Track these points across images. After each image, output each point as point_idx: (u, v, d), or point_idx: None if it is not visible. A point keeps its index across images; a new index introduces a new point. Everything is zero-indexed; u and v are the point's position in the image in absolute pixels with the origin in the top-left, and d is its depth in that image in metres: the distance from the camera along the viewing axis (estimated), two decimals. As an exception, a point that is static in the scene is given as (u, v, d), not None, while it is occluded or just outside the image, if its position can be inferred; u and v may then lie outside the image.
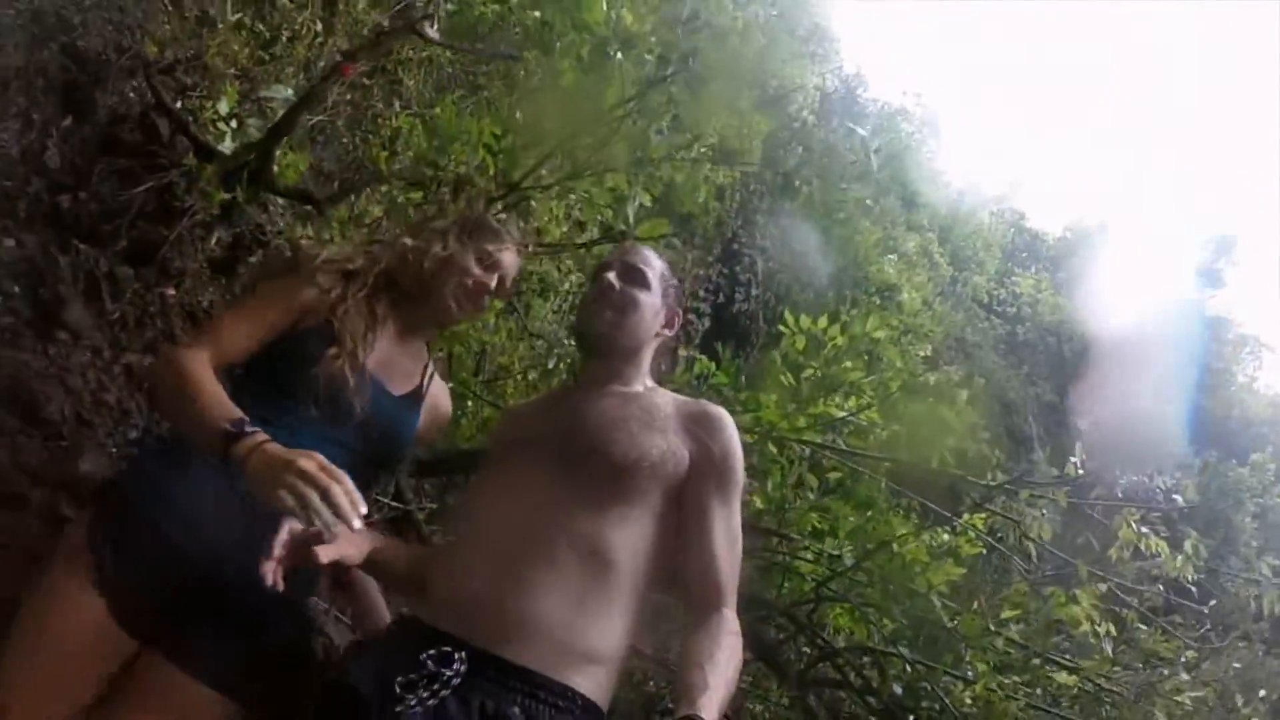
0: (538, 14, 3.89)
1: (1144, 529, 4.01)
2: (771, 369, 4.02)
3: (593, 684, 1.67)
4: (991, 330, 11.85)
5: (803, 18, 10.98)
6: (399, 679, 1.56)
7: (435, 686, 1.55)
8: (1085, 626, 3.87)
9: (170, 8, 3.56)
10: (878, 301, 6.77)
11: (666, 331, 2.12)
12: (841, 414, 3.93)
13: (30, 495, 2.51)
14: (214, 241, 3.33)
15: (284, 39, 4.39)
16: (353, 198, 3.80)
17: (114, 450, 2.83)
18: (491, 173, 3.61)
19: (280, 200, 3.75)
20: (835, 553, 3.87)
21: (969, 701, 3.70)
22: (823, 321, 3.94)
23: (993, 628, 3.82)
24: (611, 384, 2.01)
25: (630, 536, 1.78)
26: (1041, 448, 10.67)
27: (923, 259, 10.15)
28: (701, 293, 8.96)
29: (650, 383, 2.09)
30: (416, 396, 2.19)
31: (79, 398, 2.81)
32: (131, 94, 3.20)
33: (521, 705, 1.56)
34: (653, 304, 2.06)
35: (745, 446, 2.10)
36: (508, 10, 4.89)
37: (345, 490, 1.48)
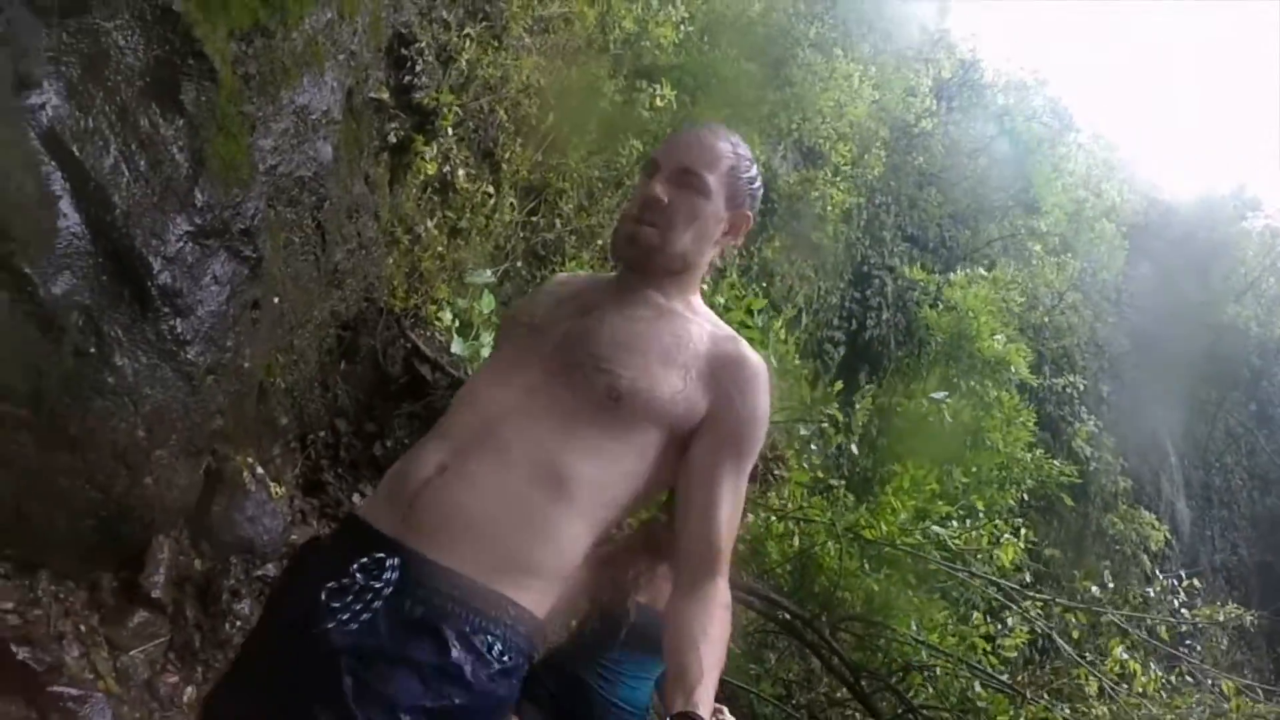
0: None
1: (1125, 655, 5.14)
2: (884, 500, 4.94)
3: (531, 596, 1.56)
4: (1122, 324, 11.79)
5: (910, 32, 11.15)
6: (327, 584, 1.50)
7: (368, 598, 1.48)
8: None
9: (390, 246, 4.43)
10: (990, 378, 7.35)
11: (729, 240, 1.83)
12: (943, 533, 4.85)
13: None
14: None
15: (467, 213, 5.24)
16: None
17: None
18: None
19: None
20: (920, 639, 4.83)
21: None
22: (931, 480, 4.83)
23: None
24: (648, 291, 1.77)
25: (600, 472, 1.63)
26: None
27: (1047, 259, 10.33)
28: (835, 320, 9.34)
29: (693, 299, 1.83)
30: None
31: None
32: (387, 335, 4.12)
33: (451, 612, 1.48)
34: (711, 213, 1.77)
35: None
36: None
37: None
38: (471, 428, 1.63)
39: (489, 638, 1.49)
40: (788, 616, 5.09)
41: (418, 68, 4.32)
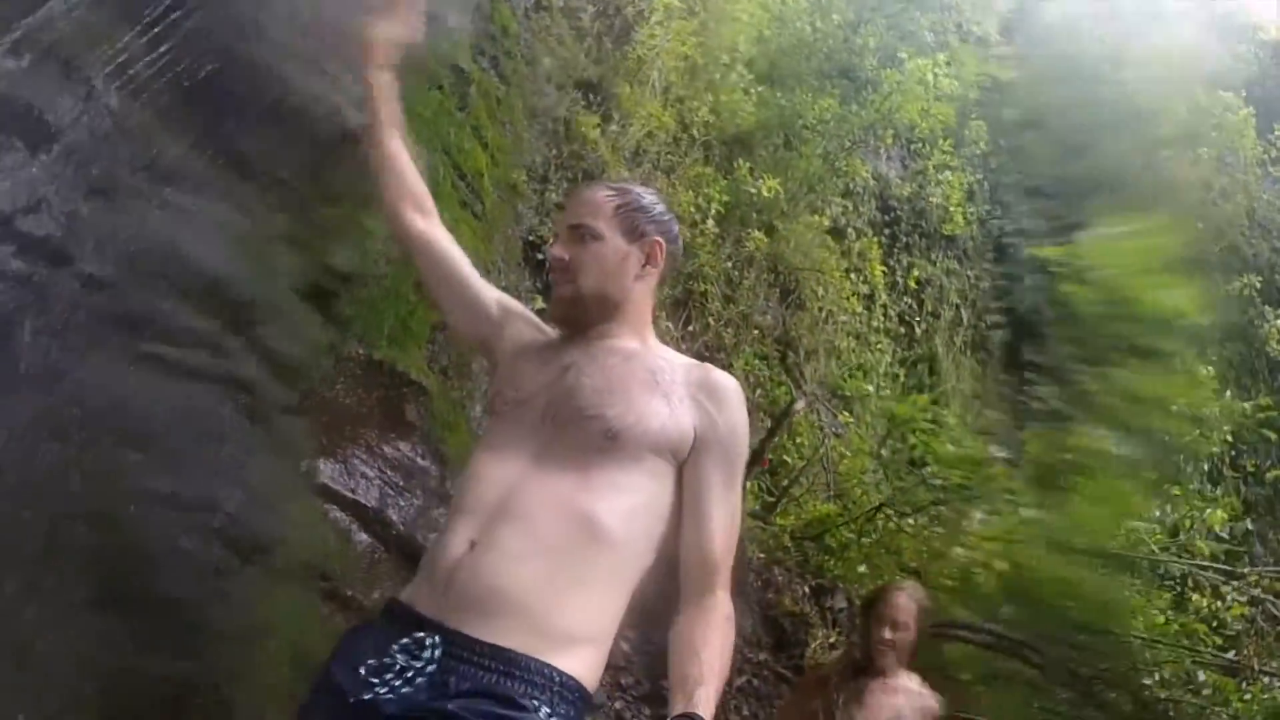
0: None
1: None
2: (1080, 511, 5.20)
3: (576, 662, 1.61)
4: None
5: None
6: (367, 662, 1.59)
7: (409, 675, 1.54)
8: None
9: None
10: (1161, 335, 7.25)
11: (652, 269, 1.95)
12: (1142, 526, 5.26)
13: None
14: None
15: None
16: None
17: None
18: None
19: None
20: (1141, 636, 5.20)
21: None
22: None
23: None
24: (606, 340, 1.89)
25: (622, 507, 1.70)
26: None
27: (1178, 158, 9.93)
28: (992, 305, 9.32)
29: (650, 337, 1.97)
30: None
31: None
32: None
33: (495, 683, 1.53)
34: (613, 252, 1.90)
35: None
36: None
37: None
38: (491, 500, 1.70)
39: (535, 702, 1.54)
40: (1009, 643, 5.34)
41: (554, 262, 4.80)
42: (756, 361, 6.68)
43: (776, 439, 5.87)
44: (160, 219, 2.48)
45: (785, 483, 5.89)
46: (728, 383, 1.87)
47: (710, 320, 6.63)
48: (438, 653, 1.56)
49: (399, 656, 1.57)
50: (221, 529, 2.43)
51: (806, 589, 5.81)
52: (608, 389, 1.77)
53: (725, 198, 6.69)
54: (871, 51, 8.76)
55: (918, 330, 8.20)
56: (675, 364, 1.88)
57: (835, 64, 8.63)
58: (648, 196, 2.00)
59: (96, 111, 2.39)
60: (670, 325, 6.12)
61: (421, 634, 1.59)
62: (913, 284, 8.44)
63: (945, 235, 9.10)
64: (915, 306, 8.32)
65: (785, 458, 6.13)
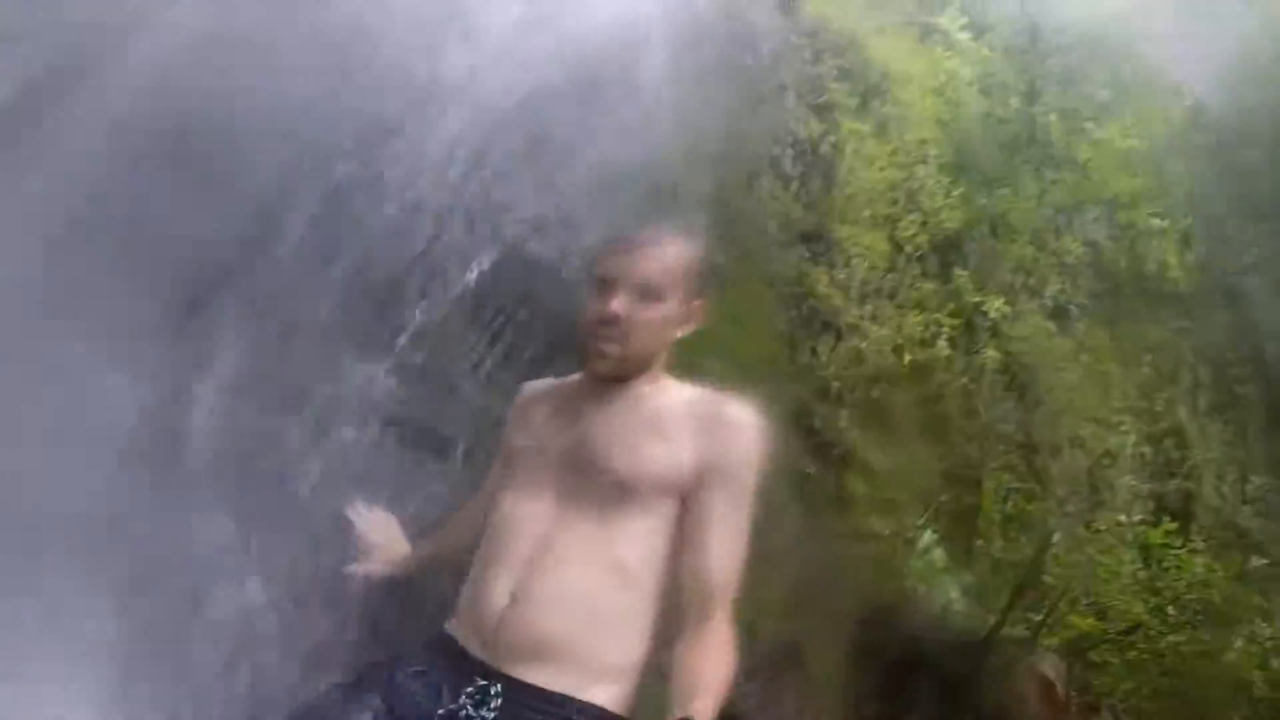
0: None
1: None
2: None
3: (613, 695, 1.77)
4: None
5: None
6: (440, 711, 1.77)
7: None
8: None
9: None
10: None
11: (688, 327, 1.98)
12: None
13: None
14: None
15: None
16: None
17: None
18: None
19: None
20: None
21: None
22: None
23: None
24: (622, 387, 1.94)
25: (642, 551, 1.81)
26: None
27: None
28: (1228, 357, 8.88)
29: (660, 377, 1.98)
30: None
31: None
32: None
33: None
34: (671, 315, 1.93)
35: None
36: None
37: None
38: (525, 551, 1.83)
39: None
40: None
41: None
42: (1005, 475, 6.66)
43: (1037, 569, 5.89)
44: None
45: (1047, 603, 5.87)
46: (738, 414, 1.88)
47: (955, 438, 6.68)
48: (500, 701, 1.73)
49: (468, 706, 1.74)
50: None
51: (1073, 706, 5.79)
52: (615, 442, 1.86)
53: (955, 320, 6.77)
54: (1055, 124, 8.70)
55: (1158, 402, 7.93)
56: (681, 400, 1.92)
57: (1020, 137, 8.61)
58: (699, 243, 2.02)
59: (464, 411, 2.81)
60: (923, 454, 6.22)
61: (485, 682, 1.76)
62: (1145, 353, 8.19)
63: (1168, 293, 8.76)
64: (1152, 376, 8.06)
65: (1044, 576, 6.09)
